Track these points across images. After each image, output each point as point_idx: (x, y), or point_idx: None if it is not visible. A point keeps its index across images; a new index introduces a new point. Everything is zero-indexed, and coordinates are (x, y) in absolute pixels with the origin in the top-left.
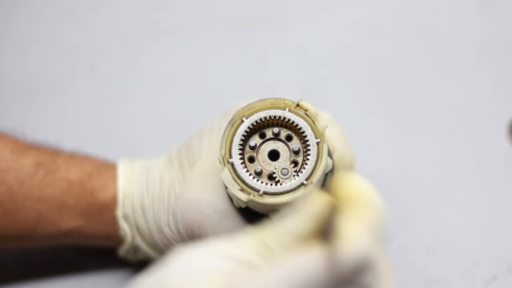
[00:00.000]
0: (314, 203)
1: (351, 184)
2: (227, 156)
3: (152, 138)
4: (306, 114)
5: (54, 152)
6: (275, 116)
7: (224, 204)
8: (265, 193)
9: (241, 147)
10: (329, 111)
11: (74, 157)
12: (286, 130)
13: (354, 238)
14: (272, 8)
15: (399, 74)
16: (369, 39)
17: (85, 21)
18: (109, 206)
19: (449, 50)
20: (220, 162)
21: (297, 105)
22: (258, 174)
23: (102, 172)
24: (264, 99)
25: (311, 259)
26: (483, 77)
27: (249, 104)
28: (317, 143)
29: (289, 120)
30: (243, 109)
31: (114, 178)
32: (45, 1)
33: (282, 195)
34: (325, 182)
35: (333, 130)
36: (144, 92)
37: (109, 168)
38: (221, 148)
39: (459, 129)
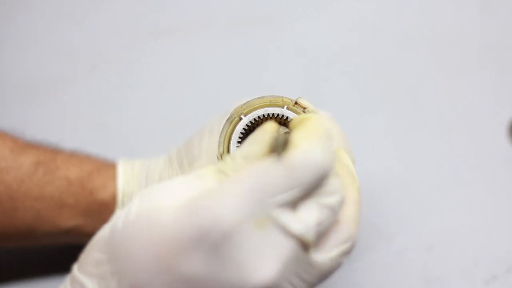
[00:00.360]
0: (265, 128)
1: (301, 115)
2: (225, 153)
3: (152, 138)
4: (305, 112)
5: (53, 151)
6: (273, 114)
7: None
8: None
9: (239, 144)
10: (329, 111)
11: (74, 156)
12: (285, 128)
13: (304, 144)
14: (272, 8)
15: (399, 74)
16: (369, 39)
17: (85, 21)
18: (109, 205)
19: (449, 50)
20: (218, 160)
21: (296, 103)
22: None
23: (102, 171)
24: (263, 97)
25: (266, 164)
26: (483, 77)
27: (247, 101)
28: None
29: (287, 117)
30: (241, 107)
31: (113, 177)
32: (45, 1)
33: None
34: None
35: (332, 130)
36: (144, 92)
37: (109, 167)
38: (219, 145)
39: (459, 128)
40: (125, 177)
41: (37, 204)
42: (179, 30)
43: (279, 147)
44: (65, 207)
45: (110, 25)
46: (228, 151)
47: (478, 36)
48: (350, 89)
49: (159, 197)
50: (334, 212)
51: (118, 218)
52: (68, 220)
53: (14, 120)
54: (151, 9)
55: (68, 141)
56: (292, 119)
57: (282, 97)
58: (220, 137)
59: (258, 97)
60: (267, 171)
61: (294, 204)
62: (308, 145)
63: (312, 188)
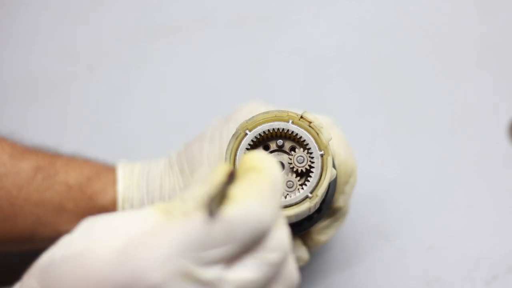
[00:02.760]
0: (217, 173)
1: (250, 157)
2: None
3: (152, 138)
4: (310, 126)
5: (52, 156)
6: (278, 129)
7: None
8: None
9: None
10: (329, 112)
11: (73, 160)
12: (290, 142)
13: (241, 199)
14: (272, 8)
15: (399, 74)
16: (369, 39)
17: (85, 21)
18: (109, 210)
19: (449, 50)
20: None
21: (301, 117)
22: None
23: (101, 176)
24: (268, 112)
25: (201, 219)
26: (483, 77)
27: (253, 116)
28: (321, 156)
29: (292, 132)
30: (246, 122)
31: (113, 182)
32: (45, 1)
33: (287, 209)
34: (329, 191)
35: (334, 135)
36: (144, 92)
37: (109, 171)
38: (225, 161)
39: (459, 129)
40: (125, 182)
41: (37, 209)
42: (179, 30)
43: (213, 202)
44: (65, 212)
45: (110, 25)
46: (234, 166)
47: (478, 36)
48: (350, 90)
49: (99, 232)
50: (276, 268)
51: (59, 247)
52: (68, 225)
53: (13, 121)
54: (151, 9)
55: (68, 141)
56: (241, 164)
57: (288, 111)
58: (226, 153)
59: (264, 112)
60: (202, 226)
61: (229, 259)
62: (246, 200)
63: (250, 244)
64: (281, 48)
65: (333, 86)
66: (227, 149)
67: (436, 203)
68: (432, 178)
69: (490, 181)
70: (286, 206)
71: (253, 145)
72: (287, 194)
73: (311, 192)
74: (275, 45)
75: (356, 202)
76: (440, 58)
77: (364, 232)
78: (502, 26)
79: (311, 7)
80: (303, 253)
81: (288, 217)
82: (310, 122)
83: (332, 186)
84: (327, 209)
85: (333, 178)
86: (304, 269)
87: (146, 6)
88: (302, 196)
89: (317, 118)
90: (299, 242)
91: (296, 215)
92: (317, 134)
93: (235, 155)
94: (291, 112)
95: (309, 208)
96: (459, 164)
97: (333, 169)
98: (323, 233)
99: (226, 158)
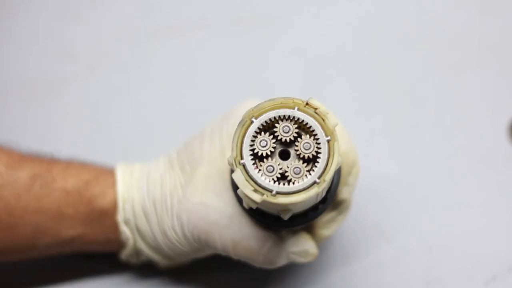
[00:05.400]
0: None
1: None
2: (238, 157)
3: (152, 138)
4: (316, 113)
5: (49, 163)
6: (284, 116)
7: (230, 208)
8: (278, 193)
9: (251, 147)
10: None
11: (71, 166)
12: (298, 129)
13: None
14: (272, 8)
15: (399, 74)
16: (369, 39)
17: (85, 21)
18: (109, 212)
19: (449, 50)
20: (231, 164)
21: (307, 103)
22: (270, 174)
23: (100, 179)
24: (274, 99)
25: None
26: (483, 77)
27: (259, 104)
28: (328, 141)
29: (298, 119)
30: (252, 110)
31: (112, 184)
32: (45, 1)
33: (295, 194)
34: (334, 181)
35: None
36: (144, 92)
37: (107, 174)
38: (232, 150)
39: (458, 129)
40: (124, 183)
41: (36, 217)
42: (179, 30)
43: None
44: (65, 218)
45: (110, 25)
46: (241, 154)
47: (478, 36)
48: (350, 90)
49: None
50: None
51: None
52: (69, 230)
53: (13, 120)
54: (151, 9)
55: (68, 141)
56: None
57: (293, 98)
58: (232, 141)
59: (269, 99)
60: None
61: None
62: None
63: None
64: (281, 48)
65: (333, 86)
66: (233, 138)
67: (435, 203)
68: (431, 178)
69: (489, 181)
70: (294, 192)
71: (259, 133)
72: (295, 180)
73: (318, 178)
74: (275, 45)
75: (354, 201)
76: (440, 58)
77: (363, 231)
78: (502, 26)
79: (311, 7)
80: (312, 247)
81: (296, 204)
82: (316, 108)
83: (337, 176)
84: (332, 199)
85: (339, 165)
86: (304, 266)
87: (146, 6)
88: (310, 182)
89: (323, 105)
90: (307, 236)
91: (304, 202)
92: (323, 120)
93: (242, 143)
94: (296, 99)
95: (317, 194)
96: (458, 164)
97: (339, 156)
98: (326, 227)
99: (232, 147)
